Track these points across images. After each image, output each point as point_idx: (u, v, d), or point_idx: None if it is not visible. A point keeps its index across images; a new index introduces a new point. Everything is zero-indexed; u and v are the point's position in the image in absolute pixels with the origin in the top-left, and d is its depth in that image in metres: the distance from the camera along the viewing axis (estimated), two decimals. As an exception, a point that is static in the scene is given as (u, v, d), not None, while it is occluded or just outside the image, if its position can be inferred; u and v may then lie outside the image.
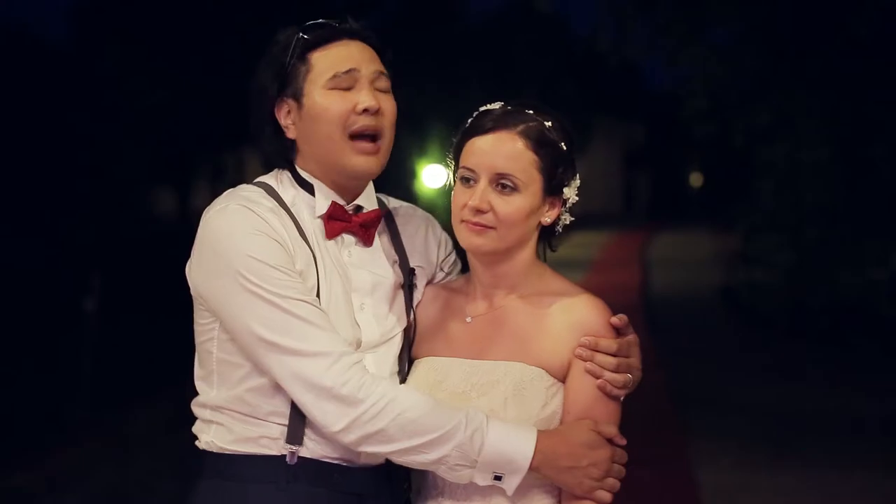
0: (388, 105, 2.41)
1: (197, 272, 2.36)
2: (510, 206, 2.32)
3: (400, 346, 2.46)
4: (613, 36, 13.34)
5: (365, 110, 2.36)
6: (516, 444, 2.25)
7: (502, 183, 2.32)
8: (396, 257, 2.50)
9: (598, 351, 2.31)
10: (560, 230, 2.45)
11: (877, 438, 8.74)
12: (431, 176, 17.88)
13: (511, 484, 2.27)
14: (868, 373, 11.74)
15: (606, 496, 2.30)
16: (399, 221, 2.56)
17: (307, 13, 2.50)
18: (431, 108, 24.49)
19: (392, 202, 2.61)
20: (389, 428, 2.24)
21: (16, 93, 18.82)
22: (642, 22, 13.33)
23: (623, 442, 2.33)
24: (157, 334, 12.32)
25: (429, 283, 2.55)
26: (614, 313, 2.37)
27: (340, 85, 2.37)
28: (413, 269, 2.51)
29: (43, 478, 7.52)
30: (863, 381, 11.23)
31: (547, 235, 2.44)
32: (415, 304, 2.51)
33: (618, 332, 2.35)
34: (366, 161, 2.38)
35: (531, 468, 2.26)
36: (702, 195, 53.62)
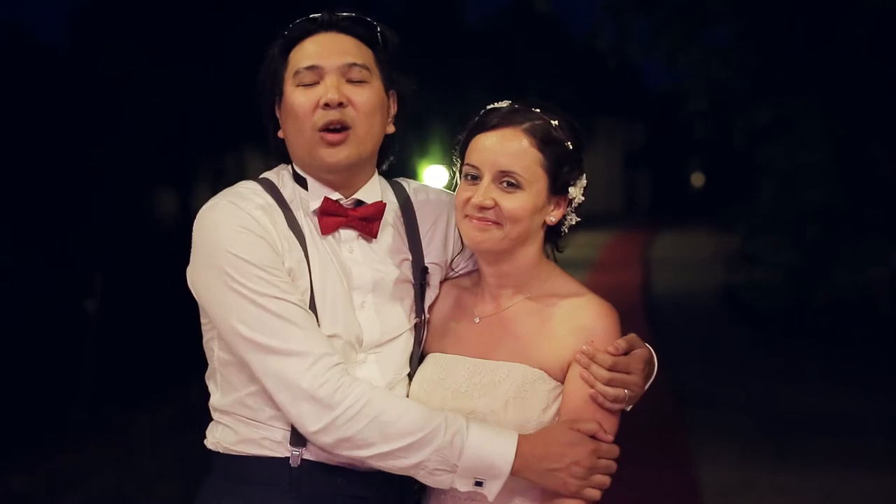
0: (360, 96, 2.35)
1: (190, 268, 2.36)
2: (514, 202, 2.30)
3: (410, 346, 2.42)
4: (613, 36, 13.33)
5: (326, 105, 2.32)
6: (497, 448, 2.21)
7: (506, 180, 2.30)
8: (408, 253, 2.45)
9: (595, 361, 2.29)
10: (566, 230, 2.43)
11: (878, 437, 8.73)
12: (433, 176, 17.89)
13: (492, 489, 2.23)
14: (868, 372, 11.74)
15: (595, 493, 2.26)
16: (418, 212, 2.50)
17: (308, 14, 2.45)
18: (432, 109, 24.49)
19: (412, 185, 2.56)
20: (366, 430, 2.20)
21: (16, 94, 18.81)
22: (641, 22, 13.33)
23: (608, 438, 2.28)
24: (159, 336, 12.33)
25: (447, 278, 2.51)
26: (616, 314, 2.37)
27: (304, 81, 2.35)
28: (426, 268, 2.46)
29: (43, 480, 7.52)
30: (863, 380, 11.22)
31: (553, 236, 2.42)
32: (429, 303, 2.46)
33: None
34: (331, 153, 2.34)
35: (512, 472, 2.22)
36: (703, 195, 53.63)
